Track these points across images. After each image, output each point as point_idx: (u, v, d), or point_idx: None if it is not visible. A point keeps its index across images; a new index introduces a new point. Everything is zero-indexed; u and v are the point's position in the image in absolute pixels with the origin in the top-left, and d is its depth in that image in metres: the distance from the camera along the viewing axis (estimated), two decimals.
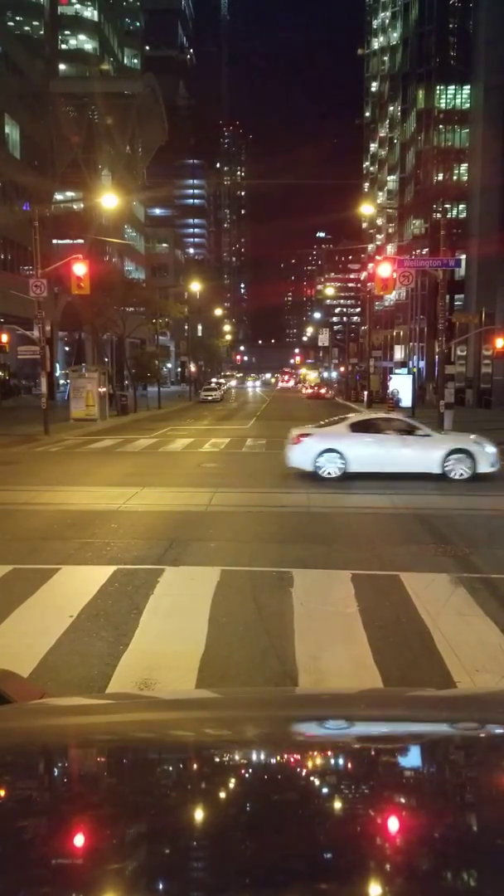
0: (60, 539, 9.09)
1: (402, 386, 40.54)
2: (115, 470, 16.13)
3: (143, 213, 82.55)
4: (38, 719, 1.68)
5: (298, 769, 1.39)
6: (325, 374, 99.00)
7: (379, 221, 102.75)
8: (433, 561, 8.07)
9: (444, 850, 1.03)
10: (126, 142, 64.98)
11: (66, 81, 64.43)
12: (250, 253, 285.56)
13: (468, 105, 66.28)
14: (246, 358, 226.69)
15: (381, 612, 6.25)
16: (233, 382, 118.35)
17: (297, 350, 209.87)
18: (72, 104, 57.17)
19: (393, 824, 1.10)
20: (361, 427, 15.26)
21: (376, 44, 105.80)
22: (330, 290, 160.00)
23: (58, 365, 49.39)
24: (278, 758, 1.46)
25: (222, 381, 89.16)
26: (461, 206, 64.46)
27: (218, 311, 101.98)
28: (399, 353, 77.89)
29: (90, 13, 75.13)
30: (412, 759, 1.48)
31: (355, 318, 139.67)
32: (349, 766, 1.40)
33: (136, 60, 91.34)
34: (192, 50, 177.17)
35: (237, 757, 1.46)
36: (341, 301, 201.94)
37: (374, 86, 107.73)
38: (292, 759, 1.44)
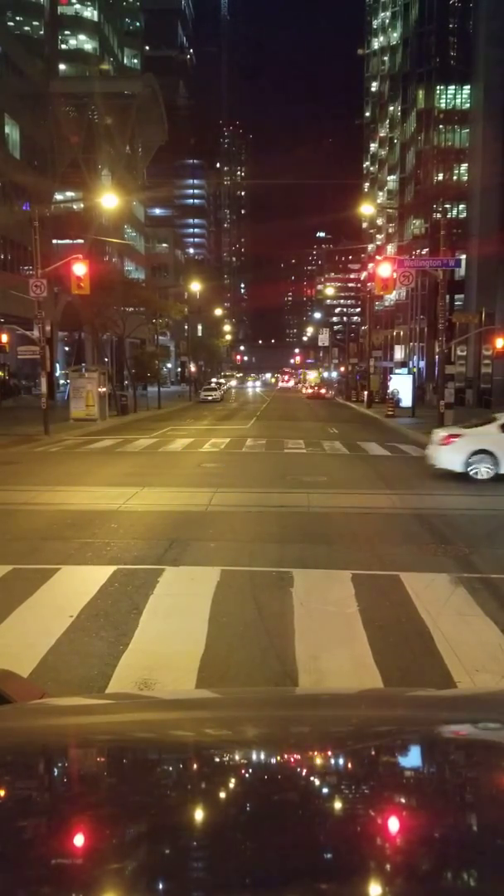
0: (60, 539, 9.09)
1: (402, 386, 40.53)
2: (115, 470, 16.13)
3: (143, 213, 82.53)
4: (38, 719, 1.68)
5: (298, 769, 1.39)
6: (326, 374, 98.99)
7: (379, 221, 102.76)
8: (433, 561, 8.07)
9: (444, 850, 1.03)
10: (126, 142, 64.98)
11: (66, 81, 64.44)
12: (250, 253, 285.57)
13: (468, 105, 66.30)
14: (246, 358, 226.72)
15: (381, 612, 6.25)
16: (233, 382, 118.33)
17: (297, 350, 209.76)
18: (72, 104, 57.15)
19: (393, 824, 1.10)
20: None
21: (376, 44, 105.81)
22: (330, 290, 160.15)
23: (58, 365, 49.38)
24: (278, 758, 1.46)
25: (222, 381, 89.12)
26: (461, 206, 64.47)
27: (218, 311, 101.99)
28: (399, 353, 77.91)
29: (90, 13, 75.16)
30: (412, 759, 1.48)
31: (355, 318, 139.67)
32: (349, 766, 1.40)
33: (136, 60, 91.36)
34: (192, 50, 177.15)
35: (237, 757, 1.46)
36: (341, 301, 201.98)
37: (374, 86, 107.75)
38: (292, 759, 1.44)
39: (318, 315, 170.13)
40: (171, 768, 1.43)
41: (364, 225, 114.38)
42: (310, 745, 1.52)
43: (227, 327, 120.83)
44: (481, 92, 59.43)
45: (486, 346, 38.93)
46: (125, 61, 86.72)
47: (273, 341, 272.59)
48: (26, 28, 64.32)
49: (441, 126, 69.45)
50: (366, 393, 46.80)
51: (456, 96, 68.84)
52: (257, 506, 11.59)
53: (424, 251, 56.98)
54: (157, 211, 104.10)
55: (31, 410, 28.35)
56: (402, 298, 74.18)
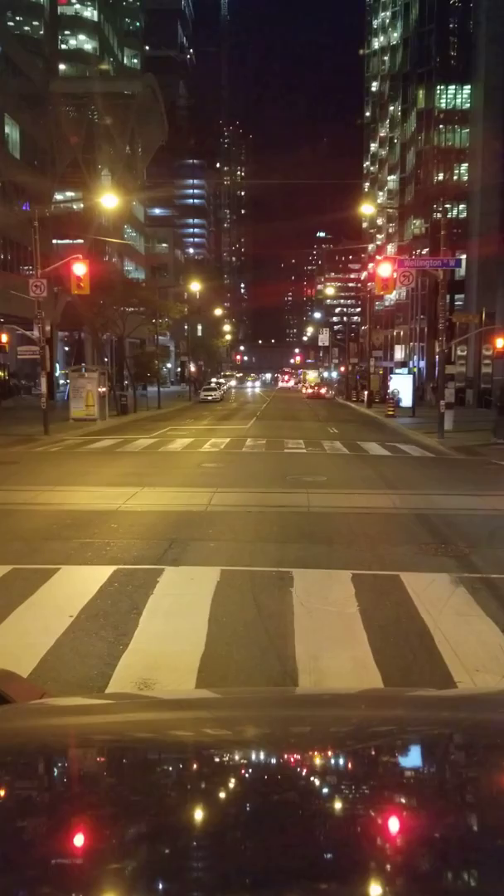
0: (60, 539, 9.09)
1: (402, 386, 40.57)
2: (114, 470, 16.12)
3: (142, 213, 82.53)
4: (38, 719, 1.68)
5: (298, 769, 1.39)
6: (326, 374, 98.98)
7: (379, 221, 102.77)
8: (433, 561, 8.07)
9: (444, 851, 1.03)
10: (126, 142, 64.98)
11: (66, 81, 64.39)
12: (250, 253, 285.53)
13: (468, 105, 66.32)
14: (246, 358, 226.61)
15: (381, 612, 6.25)
16: (233, 382, 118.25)
17: (297, 350, 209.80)
18: (72, 104, 57.12)
19: (393, 824, 1.10)
20: None
21: (376, 43, 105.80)
22: (330, 290, 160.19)
23: (57, 365, 49.39)
24: (278, 758, 1.46)
25: (222, 381, 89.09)
26: (461, 206, 64.50)
27: (218, 311, 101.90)
28: (399, 353, 77.94)
29: (90, 13, 75.16)
30: (412, 759, 1.48)
31: (355, 318, 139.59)
32: (349, 766, 1.40)
33: (136, 60, 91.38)
34: (192, 50, 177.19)
35: (237, 757, 1.46)
36: (341, 301, 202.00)
37: (375, 85, 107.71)
38: (292, 759, 1.44)
39: (318, 315, 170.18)
40: (171, 768, 1.43)
41: (364, 225, 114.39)
42: (310, 745, 1.52)
43: (227, 327, 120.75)
44: (481, 92, 59.49)
45: (486, 345, 38.93)
46: (125, 61, 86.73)
47: (273, 341, 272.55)
48: (26, 28, 64.31)
49: (441, 126, 69.46)
50: (366, 393, 46.84)
51: (456, 96, 68.85)
52: (257, 506, 11.58)
53: (424, 251, 56.98)
54: (157, 211, 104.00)
55: (31, 410, 28.35)
56: (402, 298, 74.18)
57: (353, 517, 10.89)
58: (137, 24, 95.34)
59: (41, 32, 64.79)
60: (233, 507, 11.57)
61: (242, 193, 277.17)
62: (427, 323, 61.14)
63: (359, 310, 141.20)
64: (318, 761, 1.44)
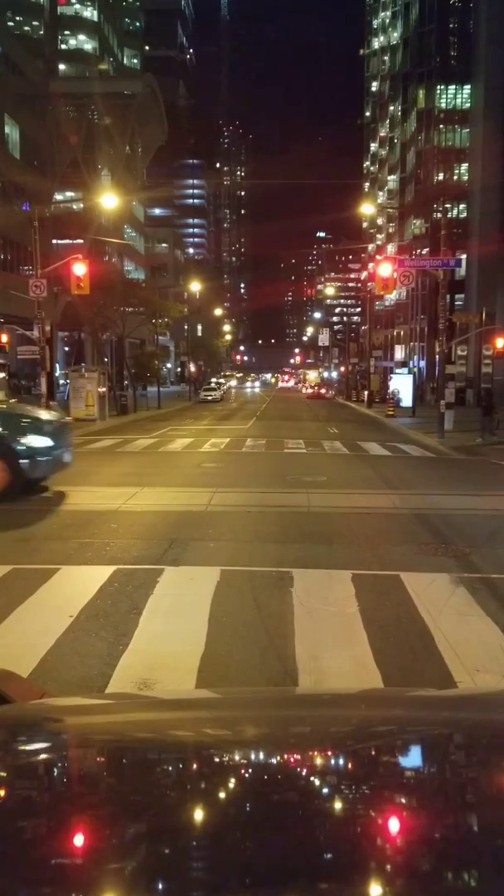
0: (60, 539, 9.09)
1: (402, 386, 40.57)
2: (114, 470, 16.12)
3: (142, 213, 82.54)
4: (38, 719, 1.68)
5: (298, 769, 1.39)
6: (326, 374, 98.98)
7: (379, 221, 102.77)
8: (434, 561, 8.07)
9: (444, 851, 1.03)
10: (126, 142, 65.00)
11: (66, 81, 64.45)
12: (250, 253, 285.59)
13: (468, 105, 66.35)
14: (246, 358, 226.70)
15: (381, 612, 6.25)
16: (233, 382, 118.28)
17: (297, 350, 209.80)
18: (71, 104, 57.15)
19: (393, 824, 1.10)
20: None
21: (377, 43, 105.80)
22: (330, 290, 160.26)
23: (57, 365, 49.36)
24: (278, 758, 1.46)
25: (222, 381, 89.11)
26: (461, 206, 64.53)
27: (218, 311, 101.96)
28: (399, 352, 77.95)
29: (90, 13, 75.22)
30: (412, 759, 1.48)
31: (355, 318, 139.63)
32: (349, 766, 1.40)
33: (135, 60, 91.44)
34: (192, 50, 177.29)
35: (237, 757, 1.46)
36: (341, 301, 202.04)
37: (375, 85, 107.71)
38: (292, 759, 1.44)
39: (318, 315, 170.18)
40: (171, 768, 1.43)
41: (364, 225, 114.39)
42: (310, 745, 1.52)
43: (226, 327, 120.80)
44: (481, 92, 59.49)
45: (486, 345, 38.91)
46: (125, 61, 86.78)
47: (273, 341, 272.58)
48: (26, 28, 64.38)
49: (441, 126, 69.52)
50: (366, 393, 46.85)
51: (456, 96, 68.90)
52: (257, 506, 11.58)
53: (425, 251, 57.00)
54: (157, 211, 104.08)
55: None
56: (403, 298, 74.20)
57: (353, 517, 10.89)
58: (137, 24, 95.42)
59: (41, 32, 64.87)
60: (233, 506, 11.57)
61: (242, 193, 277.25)
62: (427, 323, 61.16)
63: (359, 310, 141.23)
64: (318, 761, 1.44)
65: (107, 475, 15.23)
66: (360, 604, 6.43)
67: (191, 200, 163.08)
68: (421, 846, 1.03)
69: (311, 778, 1.36)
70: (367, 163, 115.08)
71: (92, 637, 5.64)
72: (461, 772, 1.41)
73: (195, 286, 67.33)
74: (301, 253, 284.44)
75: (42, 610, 6.32)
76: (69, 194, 54.11)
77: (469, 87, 65.86)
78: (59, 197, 52.14)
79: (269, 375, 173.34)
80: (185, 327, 71.68)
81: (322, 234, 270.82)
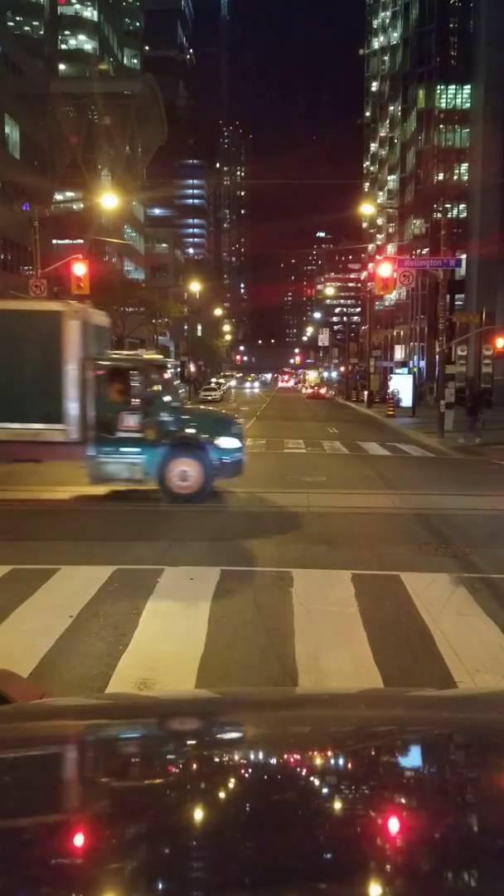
0: (60, 539, 9.09)
1: (402, 386, 40.56)
2: None
3: (142, 213, 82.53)
4: (38, 719, 1.68)
5: (298, 769, 1.39)
6: (326, 374, 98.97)
7: (379, 221, 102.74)
8: (433, 561, 8.07)
9: (444, 851, 1.03)
10: (126, 142, 64.99)
11: (66, 81, 64.48)
12: (250, 253, 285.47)
13: (468, 105, 66.31)
14: (246, 358, 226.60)
15: (381, 612, 6.25)
16: (232, 382, 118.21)
17: (296, 350, 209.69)
18: (72, 104, 57.19)
19: (393, 824, 1.10)
20: None
21: (376, 43, 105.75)
22: (330, 290, 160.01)
23: None
24: (278, 758, 1.46)
25: (222, 381, 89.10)
26: (461, 206, 64.50)
27: (218, 311, 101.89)
28: (399, 352, 77.92)
29: (90, 13, 75.27)
30: (412, 759, 1.48)
31: (355, 318, 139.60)
32: (349, 766, 1.40)
33: (135, 60, 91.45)
34: (191, 50, 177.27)
35: (237, 757, 1.46)
36: (341, 301, 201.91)
37: (375, 85, 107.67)
38: (292, 759, 1.44)
39: (318, 315, 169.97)
40: (171, 768, 1.43)
41: (364, 225, 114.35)
42: (310, 745, 1.52)
43: (226, 327, 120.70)
44: (481, 92, 59.46)
45: (486, 345, 38.92)
46: (125, 61, 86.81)
47: (273, 341, 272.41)
48: (26, 28, 64.40)
49: (441, 126, 69.48)
50: (366, 393, 46.84)
51: (456, 96, 68.87)
52: (257, 505, 11.59)
53: (425, 251, 56.98)
54: (157, 211, 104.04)
55: None
56: (402, 298, 74.16)
57: (352, 517, 10.89)
58: (137, 24, 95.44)
59: (41, 32, 64.91)
60: (232, 506, 11.58)
61: (242, 193, 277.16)
62: (427, 323, 61.14)
63: (359, 310, 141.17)
64: (318, 761, 1.44)
65: None
66: (360, 604, 6.43)
67: (191, 200, 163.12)
68: (421, 846, 1.03)
69: (311, 778, 1.36)
70: (367, 163, 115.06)
71: (92, 637, 5.64)
72: (461, 772, 1.41)
73: (195, 286, 67.31)
74: (301, 253, 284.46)
75: (42, 610, 6.32)
76: (69, 194, 54.11)
77: (469, 87, 65.82)
78: (59, 197, 52.14)
79: (268, 375, 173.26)
80: (185, 327, 71.65)
81: (322, 234, 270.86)
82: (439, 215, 53.20)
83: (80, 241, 46.61)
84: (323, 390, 70.86)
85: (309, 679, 4.83)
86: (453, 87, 68.83)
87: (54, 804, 1.25)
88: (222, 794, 1.26)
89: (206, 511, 11.04)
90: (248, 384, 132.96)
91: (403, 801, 1.23)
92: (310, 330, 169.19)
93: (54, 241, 44.52)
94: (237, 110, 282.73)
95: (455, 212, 63.80)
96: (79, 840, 1.09)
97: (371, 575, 7.41)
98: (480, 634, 5.70)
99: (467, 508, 11.76)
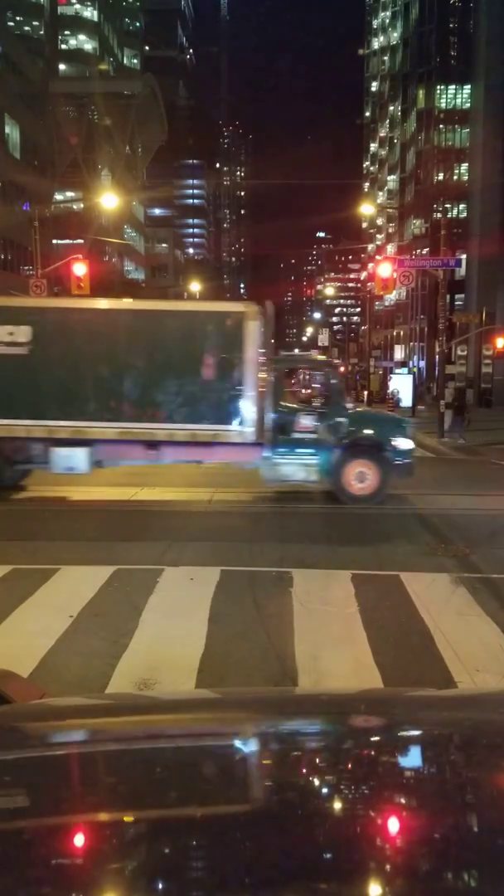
0: (60, 539, 9.09)
1: (402, 386, 40.53)
2: (114, 470, 16.08)
3: (142, 213, 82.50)
4: (38, 719, 1.68)
5: (298, 769, 1.39)
6: None
7: (379, 221, 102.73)
8: (433, 561, 8.07)
9: (444, 851, 1.03)
10: (126, 142, 64.98)
11: (66, 81, 64.39)
12: (250, 253, 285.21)
13: (468, 105, 66.23)
14: None
15: (381, 612, 6.25)
16: None
17: (296, 350, 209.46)
18: (72, 104, 57.13)
19: (393, 824, 1.10)
20: None
21: (376, 44, 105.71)
22: (330, 290, 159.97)
23: None
24: (278, 758, 1.46)
25: None
26: (461, 206, 64.43)
27: None
28: (399, 352, 77.90)
29: (90, 13, 75.16)
30: (412, 759, 1.48)
31: (355, 318, 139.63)
32: (349, 766, 1.40)
33: (135, 60, 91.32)
34: (192, 50, 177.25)
35: (237, 757, 1.46)
36: (341, 301, 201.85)
37: (375, 85, 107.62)
38: (292, 760, 1.44)
39: (317, 315, 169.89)
40: (170, 768, 1.43)
41: (364, 225, 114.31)
42: (310, 746, 1.52)
43: None
44: (481, 92, 59.40)
45: (486, 345, 38.94)
46: (125, 61, 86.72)
47: (273, 341, 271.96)
48: (26, 28, 64.26)
49: (441, 126, 69.45)
50: (366, 393, 46.80)
51: (456, 96, 68.85)
52: (257, 506, 11.59)
53: (424, 251, 56.99)
54: (157, 211, 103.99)
55: None
56: (402, 298, 74.14)
57: (352, 517, 10.90)
58: (137, 24, 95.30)
59: (41, 32, 64.74)
60: (233, 506, 11.58)
61: (242, 193, 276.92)
62: (427, 323, 61.14)
63: (359, 310, 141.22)
64: (317, 761, 1.44)
65: (106, 475, 15.15)
66: (360, 604, 6.43)
67: (191, 200, 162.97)
68: (421, 846, 1.03)
69: (311, 778, 1.36)
70: (367, 163, 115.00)
71: (92, 637, 5.64)
72: (461, 772, 1.41)
73: (195, 286, 67.34)
74: (301, 253, 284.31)
75: (42, 610, 6.32)
76: (69, 194, 54.08)
77: (469, 87, 65.78)
78: (59, 197, 52.11)
79: None
80: None
81: (322, 234, 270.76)
82: (439, 215, 53.21)
83: (81, 241, 46.62)
84: None
85: (309, 679, 4.83)
86: (453, 87, 68.81)
87: (54, 804, 1.25)
88: (222, 795, 1.26)
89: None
90: None
91: (403, 801, 1.23)
92: (310, 330, 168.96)
93: (54, 241, 44.50)
94: (237, 110, 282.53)
95: (455, 212, 63.77)
96: (79, 840, 1.09)
97: (371, 575, 7.41)
98: (480, 634, 5.70)
99: (467, 508, 11.75)
